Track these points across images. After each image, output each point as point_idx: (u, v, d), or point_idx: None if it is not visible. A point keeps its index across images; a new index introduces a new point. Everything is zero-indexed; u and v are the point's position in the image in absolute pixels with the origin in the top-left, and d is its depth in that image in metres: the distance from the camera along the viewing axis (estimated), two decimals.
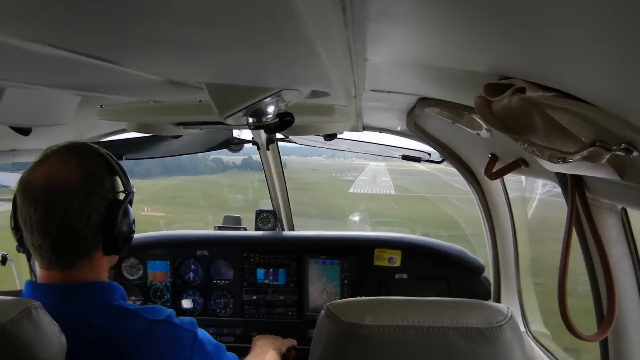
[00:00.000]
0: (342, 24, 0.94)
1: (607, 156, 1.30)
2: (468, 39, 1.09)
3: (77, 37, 0.92)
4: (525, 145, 1.44)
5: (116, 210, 1.94)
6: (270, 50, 1.04)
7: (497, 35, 1.01)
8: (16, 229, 1.96)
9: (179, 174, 26.42)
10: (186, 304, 3.86)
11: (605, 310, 2.02)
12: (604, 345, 2.18)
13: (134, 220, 2.05)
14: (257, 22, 0.81)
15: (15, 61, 1.18)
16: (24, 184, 1.89)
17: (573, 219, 2.04)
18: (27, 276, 3.93)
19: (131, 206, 2.04)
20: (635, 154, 1.25)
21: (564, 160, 1.38)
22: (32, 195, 1.85)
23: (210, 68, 1.32)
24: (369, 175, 36.98)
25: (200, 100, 2.21)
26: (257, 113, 1.59)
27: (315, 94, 1.79)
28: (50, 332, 1.61)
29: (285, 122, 1.66)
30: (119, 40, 0.96)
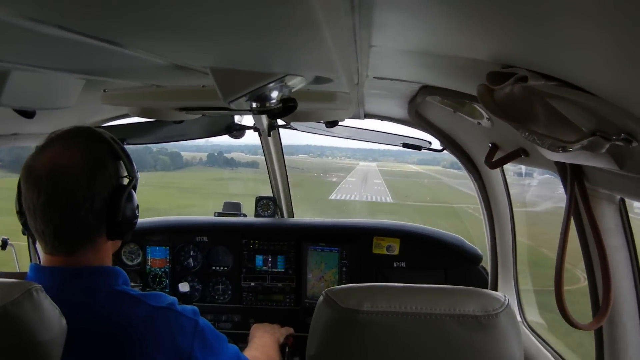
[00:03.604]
0: (348, 10, 0.95)
1: (607, 146, 1.31)
2: (471, 27, 1.10)
3: (86, 19, 0.94)
4: (526, 133, 1.46)
5: (119, 196, 1.93)
6: (278, 34, 1.05)
7: (500, 24, 1.02)
8: (20, 213, 1.96)
9: None
10: (183, 287, 3.85)
11: (601, 299, 2.03)
12: (599, 334, 2.20)
13: (137, 205, 2.05)
14: (267, 6, 0.82)
15: (22, 43, 1.19)
16: (27, 169, 1.89)
17: (572, 209, 2.05)
18: (27, 260, 3.95)
19: (135, 191, 2.04)
20: (634, 144, 1.26)
21: (564, 149, 1.39)
22: (35, 181, 1.85)
23: (216, 52, 1.33)
24: (358, 176, 33.72)
25: (203, 86, 2.22)
26: (261, 98, 1.60)
27: (318, 80, 1.80)
28: (50, 314, 1.62)
29: (288, 108, 1.67)
30: (127, 22, 0.97)
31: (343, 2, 0.89)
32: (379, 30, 1.24)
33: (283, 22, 0.93)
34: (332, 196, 27.35)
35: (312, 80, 1.80)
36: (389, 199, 27.94)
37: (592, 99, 1.19)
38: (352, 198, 27.43)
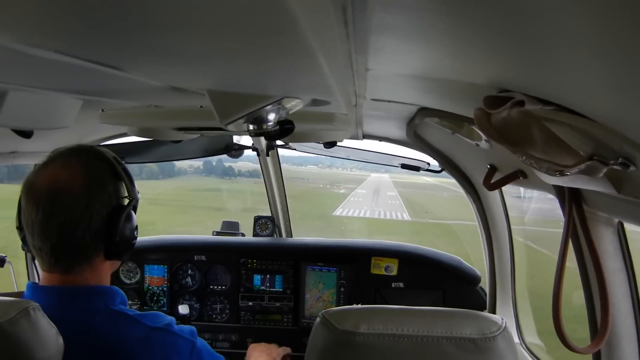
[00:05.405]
0: (344, 37, 0.95)
1: (604, 170, 1.31)
2: (468, 52, 1.10)
3: (82, 44, 0.94)
4: (524, 157, 1.46)
5: (118, 216, 1.93)
6: (273, 60, 1.05)
7: (497, 50, 1.02)
8: (20, 228, 1.96)
9: None
10: (183, 309, 3.83)
11: (599, 322, 2.02)
12: (597, 358, 2.19)
13: (136, 226, 2.04)
14: (260, 35, 0.82)
15: (19, 65, 1.20)
16: (28, 185, 1.89)
17: (570, 231, 2.05)
18: (25, 278, 3.94)
19: (135, 212, 2.04)
20: (632, 168, 1.26)
21: (562, 173, 1.39)
22: (35, 197, 1.85)
23: (213, 76, 1.33)
24: (368, 188, 32.10)
25: (201, 106, 2.22)
26: (258, 120, 1.60)
27: (316, 102, 1.80)
28: (47, 333, 1.62)
29: (285, 130, 1.67)
30: (123, 48, 0.97)
31: (338, 29, 0.89)
32: (375, 54, 1.24)
33: (278, 50, 0.93)
34: (337, 212, 25.43)
35: (309, 102, 1.80)
36: (406, 216, 25.18)
37: (589, 124, 1.18)
38: (362, 214, 24.99)
